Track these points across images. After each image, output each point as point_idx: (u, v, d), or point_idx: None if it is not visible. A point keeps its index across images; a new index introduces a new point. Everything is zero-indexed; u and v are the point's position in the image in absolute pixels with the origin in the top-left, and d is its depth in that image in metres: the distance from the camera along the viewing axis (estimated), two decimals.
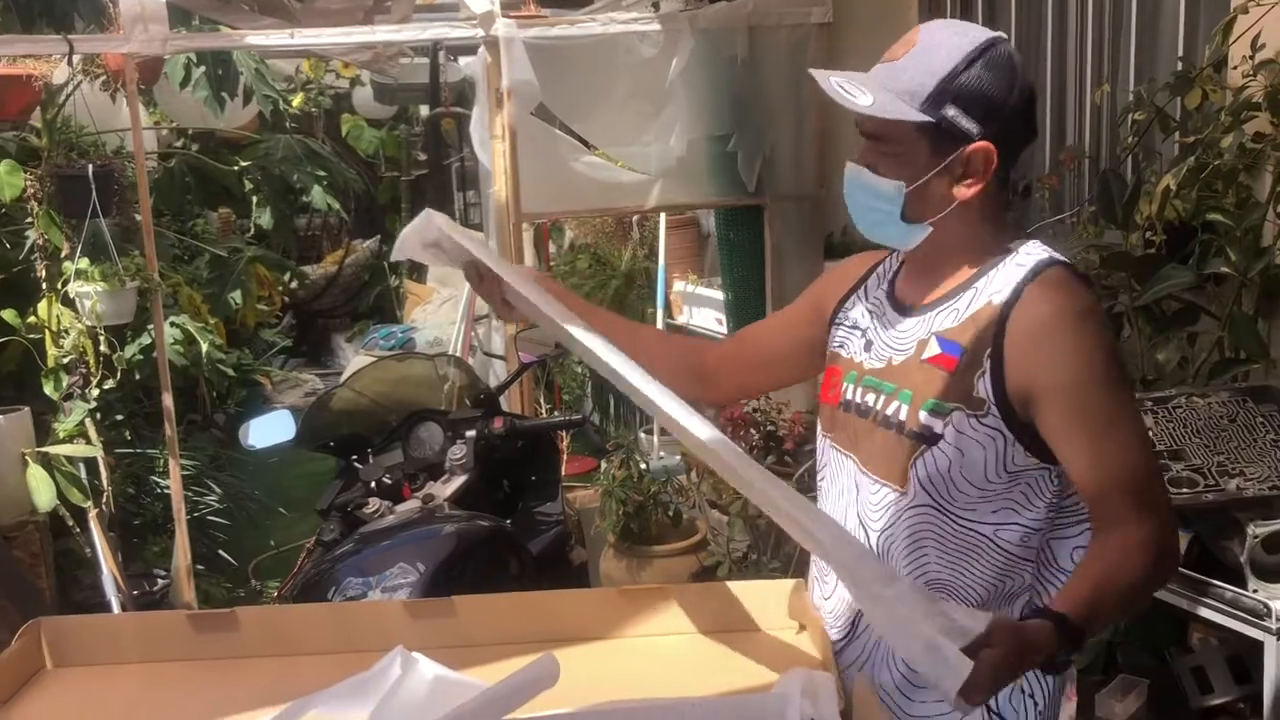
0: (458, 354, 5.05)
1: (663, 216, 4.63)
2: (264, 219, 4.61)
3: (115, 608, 3.26)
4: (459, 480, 2.52)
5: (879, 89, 1.42)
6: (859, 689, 1.41)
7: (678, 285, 4.71)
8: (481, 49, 3.70)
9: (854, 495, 1.54)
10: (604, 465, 3.88)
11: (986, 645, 1.18)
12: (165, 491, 3.78)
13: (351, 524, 2.43)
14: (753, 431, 3.59)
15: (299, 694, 1.29)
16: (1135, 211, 2.81)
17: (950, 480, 1.43)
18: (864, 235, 1.53)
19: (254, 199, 4.84)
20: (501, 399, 2.76)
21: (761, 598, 1.63)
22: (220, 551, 4.26)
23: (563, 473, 2.75)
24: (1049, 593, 1.47)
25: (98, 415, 3.65)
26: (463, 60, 6.00)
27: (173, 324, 3.93)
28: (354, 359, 6.54)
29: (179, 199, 4.61)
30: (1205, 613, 2.15)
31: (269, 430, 2.73)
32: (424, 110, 7.53)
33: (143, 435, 4.11)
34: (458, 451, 2.56)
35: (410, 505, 2.46)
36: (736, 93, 3.90)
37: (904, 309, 1.53)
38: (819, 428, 1.66)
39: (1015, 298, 1.40)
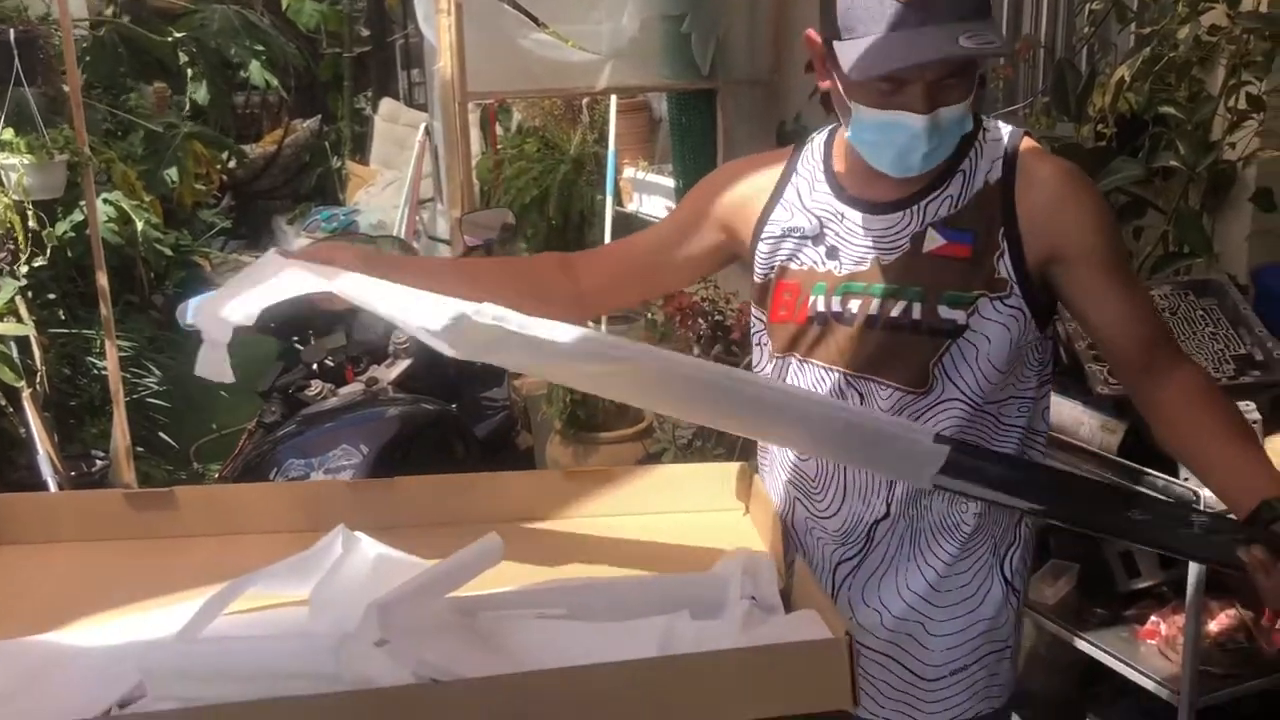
0: (401, 237, 4.96)
1: (613, 99, 4.53)
2: (200, 94, 4.44)
3: (52, 488, 3.21)
4: (403, 364, 2.49)
5: (980, 24, 1.30)
6: (799, 570, 1.43)
7: (628, 171, 4.64)
8: None
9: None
10: None
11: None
12: (102, 373, 3.71)
13: (293, 406, 2.40)
14: (700, 321, 3.58)
15: (239, 573, 1.28)
16: (1088, 103, 2.79)
17: (978, 369, 1.41)
18: (915, 169, 1.38)
19: (189, 73, 4.65)
20: None
21: (706, 480, 1.63)
22: (160, 434, 4.21)
23: None
24: (1030, 457, 1.50)
25: (29, 294, 3.54)
26: None
27: (106, 201, 3.80)
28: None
29: (111, 71, 4.41)
30: None
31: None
32: None
33: (78, 316, 4.00)
34: (401, 335, 2.52)
35: (353, 388, 2.43)
36: None
37: (872, 207, 1.45)
38: (766, 352, 1.58)
39: (1011, 172, 1.39)
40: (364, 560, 1.29)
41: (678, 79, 3.95)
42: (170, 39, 4.00)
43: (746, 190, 1.56)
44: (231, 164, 5.36)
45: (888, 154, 1.38)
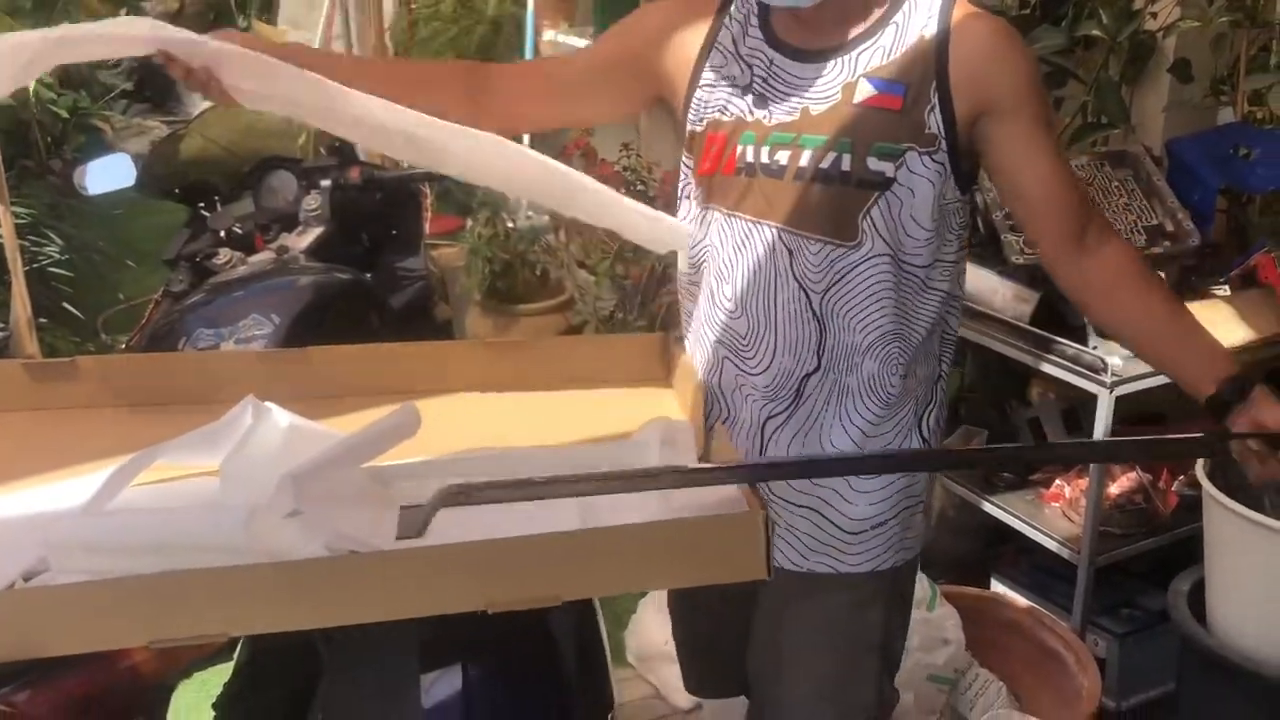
0: None
1: None
2: None
3: None
4: (314, 232, 2.42)
5: None
6: (718, 437, 1.44)
7: (547, 34, 4.50)
8: None
9: (785, 261, 1.44)
10: (470, 224, 3.79)
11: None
12: None
13: (201, 274, 2.32)
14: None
15: (146, 445, 1.24)
16: None
17: (902, 224, 1.40)
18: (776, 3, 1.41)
19: None
20: (358, 149, 2.62)
21: (627, 351, 1.62)
22: (64, 304, 4.07)
23: (426, 229, 2.66)
24: (950, 323, 1.52)
25: None
26: None
27: None
28: (200, 105, 6.13)
29: None
30: (1047, 368, 2.26)
31: (108, 175, 2.54)
32: None
33: None
34: (312, 202, 2.44)
35: (263, 256, 2.36)
36: None
37: (803, 55, 1.42)
38: (692, 206, 1.55)
39: (946, 25, 1.37)
40: (275, 430, 1.26)
41: None
42: None
43: (681, 34, 1.51)
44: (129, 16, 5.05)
45: None
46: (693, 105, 1.49)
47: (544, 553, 1.08)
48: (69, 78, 5.54)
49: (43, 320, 3.80)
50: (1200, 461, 1.75)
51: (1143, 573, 2.43)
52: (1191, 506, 2.24)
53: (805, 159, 1.40)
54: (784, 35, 1.44)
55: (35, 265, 3.91)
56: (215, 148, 2.60)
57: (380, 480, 1.23)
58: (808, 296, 1.45)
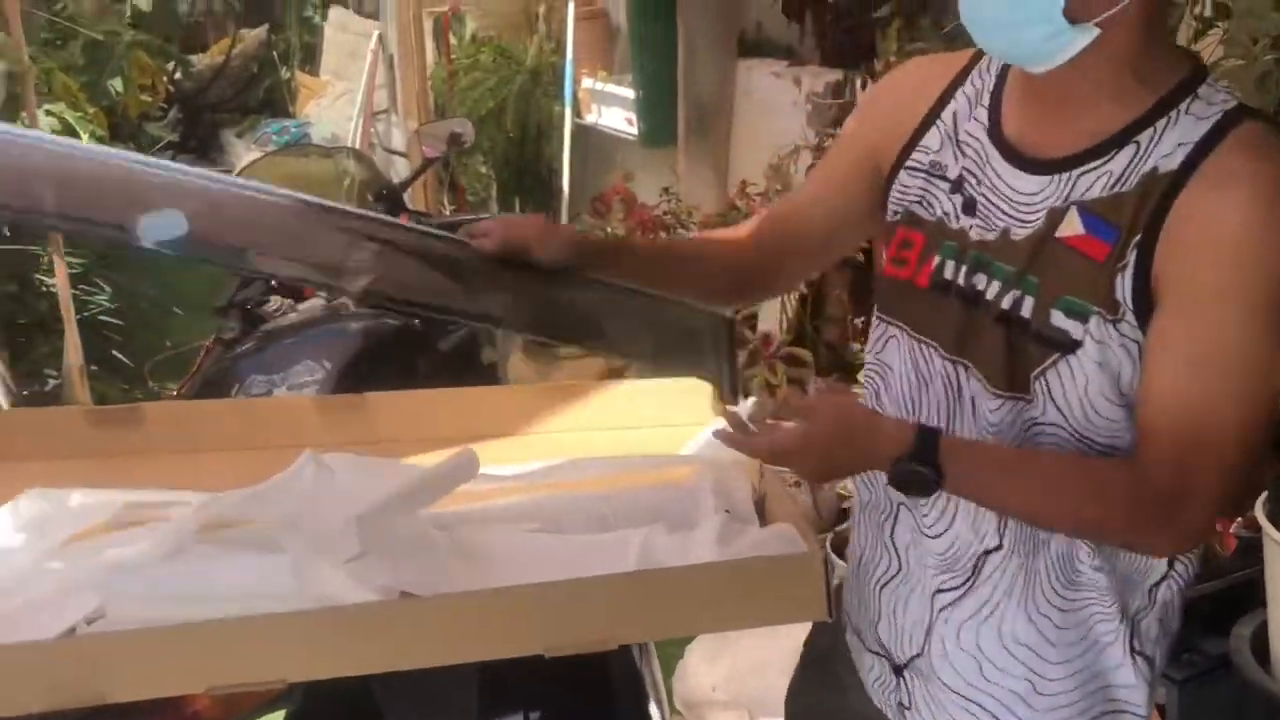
0: (357, 148, 4.85)
1: (571, 6, 4.42)
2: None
3: (4, 405, 3.15)
4: (363, 279, 2.44)
5: None
6: (770, 482, 1.43)
7: (586, 82, 4.55)
8: None
9: (969, 411, 1.17)
10: None
11: (810, 417, 1.11)
12: (52, 290, 3.62)
13: (252, 321, 2.35)
14: (663, 235, 3.55)
15: (205, 490, 1.26)
16: None
17: (1089, 400, 1.09)
18: (989, 46, 1.12)
19: None
20: (405, 197, 2.66)
21: (677, 394, 1.62)
22: (114, 353, 4.13)
23: None
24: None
25: None
26: None
27: (48, 113, 3.67)
28: (246, 155, 6.25)
29: None
30: None
31: (160, 227, 2.58)
32: None
33: (22, 230, 3.89)
34: (362, 249, 2.46)
35: (313, 304, 2.39)
36: None
37: (1021, 159, 1.13)
38: (877, 305, 1.29)
39: (1191, 167, 1.04)
40: (334, 482, 1.27)
41: None
42: None
43: (909, 99, 1.24)
44: (178, 75, 5.20)
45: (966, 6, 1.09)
46: (895, 187, 1.24)
47: (601, 595, 1.08)
48: (118, 129, 5.66)
49: (93, 368, 3.86)
50: (1260, 502, 1.72)
51: (1203, 617, 2.38)
52: (1252, 548, 2.19)
53: (992, 291, 1.13)
54: (1008, 126, 1.16)
55: (86, 314, 3.97)
56: None
57: (441, 525, 1.24)
58: None
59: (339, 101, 6.42)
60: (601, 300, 1.44)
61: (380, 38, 5.31)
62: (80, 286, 4.02)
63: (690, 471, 1.41)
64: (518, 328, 1.54)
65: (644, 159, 4.17)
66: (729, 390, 1.44)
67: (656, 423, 1.59)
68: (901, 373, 1.24)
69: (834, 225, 1.36)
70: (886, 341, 1.26)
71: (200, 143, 7.60)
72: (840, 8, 3.66)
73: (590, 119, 4.59)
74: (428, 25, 5.20)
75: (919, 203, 1.21)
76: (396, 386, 2.23)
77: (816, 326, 3.13)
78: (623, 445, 1.54)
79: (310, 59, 7.41)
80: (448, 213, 4.53)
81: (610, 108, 4.47)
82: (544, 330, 1.63)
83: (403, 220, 2.49)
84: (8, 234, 3.88)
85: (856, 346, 3.00)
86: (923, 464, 1.07)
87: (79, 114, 3.77)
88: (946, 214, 1.18)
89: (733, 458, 1.39)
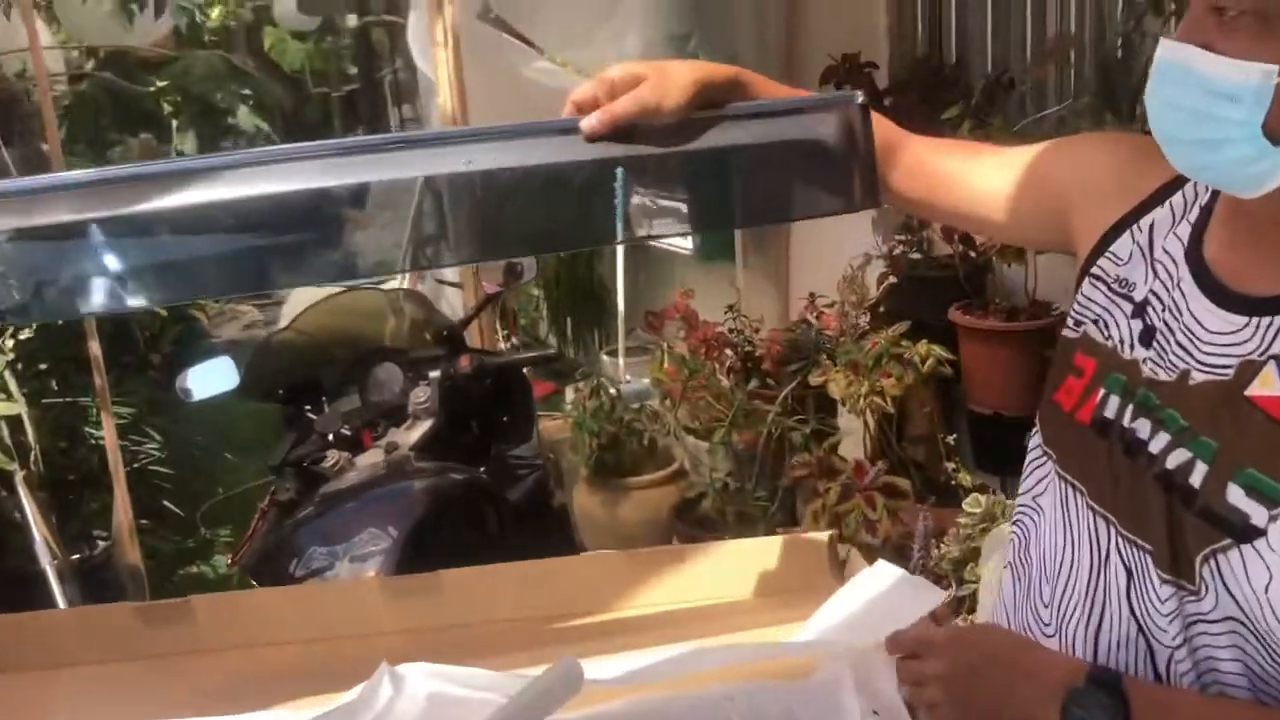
0: (408, 277, 4.77)
1: None
2: (187, 144, 4.25)
3: (51, 576, 3.01)
4: (424, 426, 2.30)
5: None
6: None
7: (636, 197, 4.45)
8: None
9: (1121, 585, 0.97)
10: (571, 394, 3.67)
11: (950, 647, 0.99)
12: (100, 443, 3.51)
13: (309, 480, 2.20)
14: (728, 352, 3.40)
15: (268, 693, 1.09)
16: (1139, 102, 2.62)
17: (1270, 606, 0.86)
18: (1182, 166, 0.93)
19: (174, 123, 4.47)
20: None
21: (788, 555, 1.44)
22: (165, 502, 4.01)
23: (536, 413, 2.54)
24: None
25: (18, 366, 3.34)
26: None
27: None
28: (294, 290, 6.20)
29: (93, 125, 4.24)
30: None
31: (210, 379, 2.47)
32: (351, 19, 7.10)
33: (71, 383, 3.81)
34: (421, 394, 2.33)
35: (372, 456, 2.24)
36: None
37: (1219, 291, 0.94)
38: (1038, 435, 1.10)
39: None
40: (415, 701, 1.09)
41: None
42: (153, 89, 3.82)
43: (1115, 184, 1.06)
44: None
45: (1152, 111, 0.91)
46: (1079, 296, 1.06)
47: None
48: None
49: (142, 521, 3.73)
50: None
51: None
52: None
53: (1158, 443, 0.93)
54: (1210, 250, 0.96)
55: (135, 465, 3.86)
56: (314, 341, 2.51)
57: None
58: (1149, 647, 0.95)
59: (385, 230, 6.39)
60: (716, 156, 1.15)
61: None
62: (130, 437, 3.92)
63: (824, 661, 1.21)
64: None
65: (701, 275, 4.04)
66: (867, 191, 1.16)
67: (774, 590, 1.41)
68: (1052, 520, 1.06)
69: (984, 218, 1.18)
70: (1043, 480, 1.08)
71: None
72: (900, 108, 3.54)
73: (641, 231, 4.47)
74: None
75: (1097, 322, 1.03)
76: (467, 543, 2.08)
77: (903, 446, 2.93)
78: (731, 622, 1.36)
79: None
80: (503, 345, 4.40)
81: (662, 219, 4.34)
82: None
83: (464, 363, 2.36)
84: (55, 387, 3.80)
85: (951, 466, 2.79)
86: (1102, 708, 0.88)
87: None
88: (1121, 341, 1.00)
89: (874, 642, 1.21)
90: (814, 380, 2.97)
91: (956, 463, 2.86)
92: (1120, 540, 0.97)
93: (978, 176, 1.17)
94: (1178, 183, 1.01)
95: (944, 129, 3.21)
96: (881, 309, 3.12)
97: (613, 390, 3.52)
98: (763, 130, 1.12)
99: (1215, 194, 0.98)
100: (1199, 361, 0.93)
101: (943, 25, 3.74)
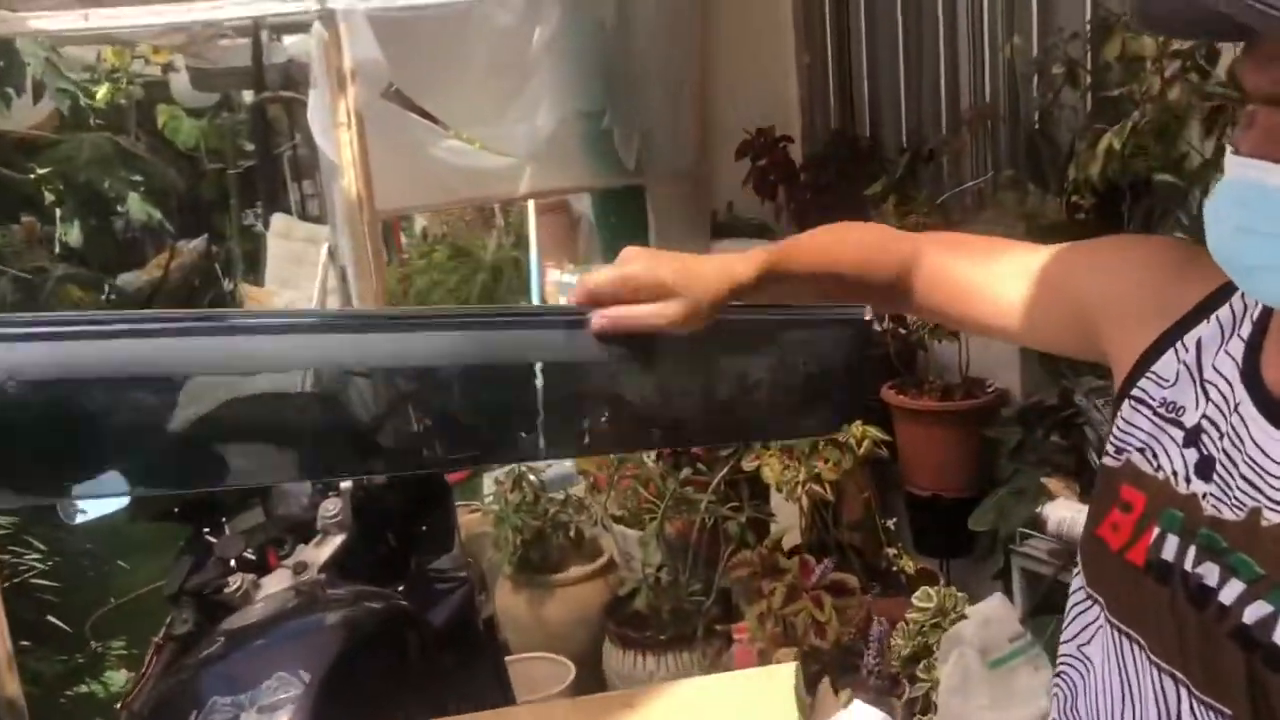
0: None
1: (531, 202, 4.23)
2: (72, 234, 4.00)
3: None
4: (334, 541, 2.10)
5: None
6: None
7: (553, 274, 4.33)
8: (316, 25, 3.22)
9: None
10: (490, 484, 3.49)
11: None
12: None
13: (210, 611, 1.98)
14: None
15: None
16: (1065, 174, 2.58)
17: None
18: (1256, 292, 0.82)
19: (58, 211, 4.21)
20: None
21: (748, 691, 1.31)
22: (49, 617, 3.70)
23: (457, 519, 2.36)
24: None
25: None
26: (287, 39, 5.44)
27: None
28: (187, 385, 5.89)
29: None
30: None
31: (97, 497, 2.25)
32: (248, 96, 6.88)
33: None
34: (330, 507, 2.13)
35: (279, 578, 2.03)
36: (607, 62, 3.54)
37: None
38: (1081, 576, 0.98)
39: None
40: None
41: (602, 177, 3.68)
42: (34, 175, 3.58)
43: (1150, 293, 0.95)
44: (113, 299, 4.93)
45: (1220, 236, 0.81)
46: (1119, 420, 0.94)
47: None
48: None
49: (24, 643, 3.43)
50: None
51: None
52: None
53: (1230, 593, 0.81)
54: (1271, 371, 0.85)
55: (15, 580, 3.56)
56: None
57: None
58: None
59: None
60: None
61: (331, 250, 5.08)
62: (9, 549, 3.63)
63: None
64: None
65: None
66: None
67: None
68: (1104, 674, 0.92)
69: (1018, 335, 1.09)
70: (1089, 627, 0.95)
71: None
72: (818, 184, 3.49)
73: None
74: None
75: (1143, 451, 0.91)
76: (387, 677, 1.89)
77: (840, 531, 2.82)
78: None
79: (253, 268, 7.17)
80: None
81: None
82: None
83: None
84: None
85: (893, 552, 2.68)
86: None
87: None
88: (1175, 473, 0.88)
89: None
90: (747, 465, 2.85)
91: (898, 548, 2.76)
92: (1195, 703, 0.84)
93: (998, 285, 1.08)
94: (1222, 294, 0.90)
95: (866, 205, 3.15)
96: None
97: (533, 478, 3.35)
98: (765, 345, 1.07)
99: (1270, 311, 0.87)
100: (1271, 500, 0.80)
101: (854, 98, 3.72)
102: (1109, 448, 0.95)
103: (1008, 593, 2.49)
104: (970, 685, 2.09)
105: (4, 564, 3.34)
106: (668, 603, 2.93)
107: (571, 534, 3.32)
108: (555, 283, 4.30)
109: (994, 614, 2.24)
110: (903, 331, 2.89)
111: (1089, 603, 0.95)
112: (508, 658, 2.96)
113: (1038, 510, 2.39)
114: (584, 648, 3.13)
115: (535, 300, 4.26)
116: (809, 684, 2.04)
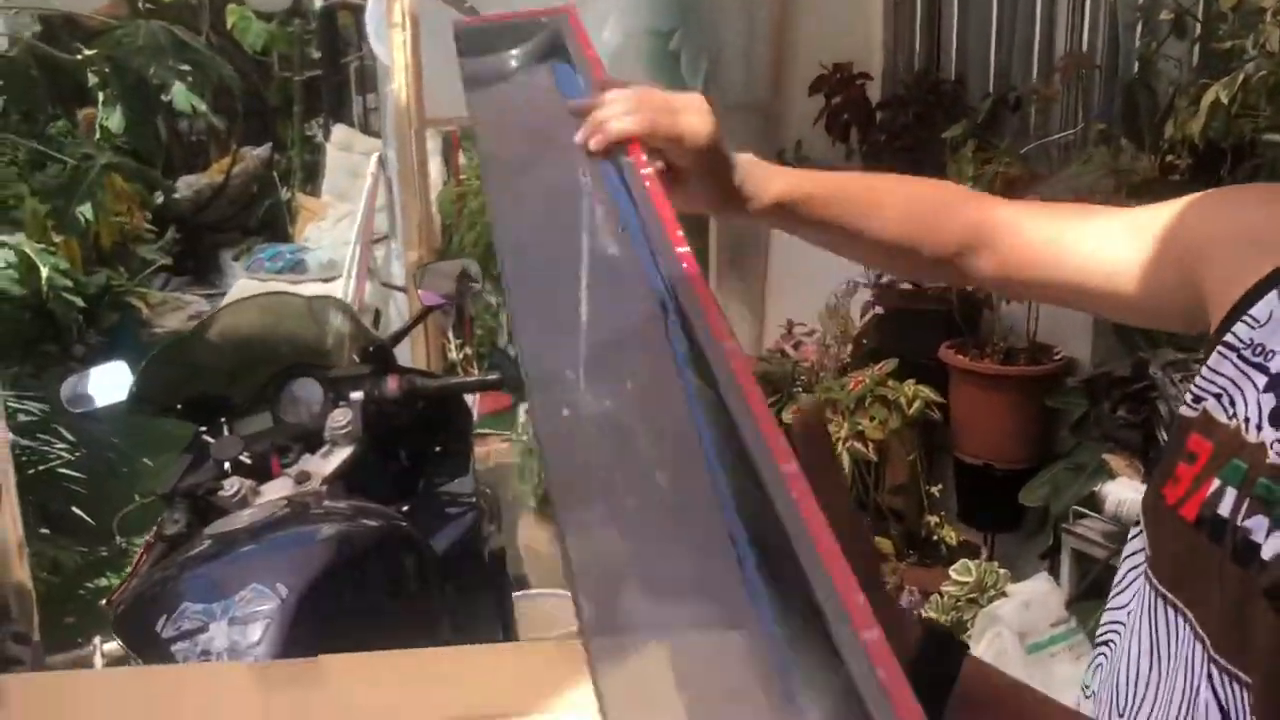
0: (354, 278, 4.46)
1: None
2: (113, 120, 3.92)
3: None
4: (342, 453, 1.99)
5: None
6: None
7: None
8: None
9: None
10: (521, 415, 3.37)
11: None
12: None
13: (203, 513, 1.88)
14: None
15: None
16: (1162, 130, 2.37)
17: None
18: None
19: (100, 95, 4.13)
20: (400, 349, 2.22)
21: None
22: (75, 509, 3.67)
23: (474, 444, 2.24)
24: None
25: None
26: None
27: (4, 246, 3.27)
28: (238, 282, 5.87)
29: (24, 96, 3.90)
30: None
31: (101, 387, 2.16)
32: (318, 2, 6.78)
33: None
34: (341, 417, 2.02)
35: (281, 486, 1.93)
36: None
37: None
38: (1141, 537, 0.85)
39: None
40: None
41: None
42: (81, 57, 3.49)
43: (1251, 236, 0.84)
44: (159, 199, 4.85)
45: None
46: (1205, 369, 0.83)
47: None
48: (105, 254, 5.30)
49: (44, 530, 3.40)
50: None
51: None
52: None
53: (1272, 548, 0.71)
54: None
55: (42, 468, 3.52)
56: (226, 350, 2.20)
57: None
58: None
59: (340, 224, 6.08)
60: None
61: (381, 158, 4.97)
62: (38, 436, 3.59)
63: None
64: None
65: None
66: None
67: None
68: (1137, 636, 0.81)
69: (1112, 298, 0.92)
70: (1131, 586, 0.84)
71: (197, 264, 7.26)
72: (894, 126, 3.28)
73: None
74: (435, 144, 4.86)
75: (1220, 397, 0.79)
76: (379, 601, 1.78)
77: (881, 495, 2.65)
78: None
79: (312, 179, 7.11)
80: (454, 354, 4.09)
81: None
82: None
83: (392, 384, 2.06)
84: None
85: (935, 520, 2.52)
86: None
87: (41, 246, 3.38)
88: (1247, 420, 0.76)
89: None
90: (788, 417, 2.69)
91: (940, 517, 2.59)
92: (1214, 668, 0.73)
93: (1094, 245, 0.94)
94: None
95: (943, 149, 2.95)
96: (865, 343, 2.85)
97: (567, 410, 3.22)
98: None
99: None
100: None
101: (942, 39, 3.49)
102: (1188, 397, 0.82)
103: (1054, 574, 2.32)
104: (1004, 670, 1.93)
105: (31, 450, 3.29)
106: None
107: None
108: None
109: (1037, 595, 2.08)
110: (967, 289, 2.69)
111: (1142, 563, 0.82)
112: (525, 592, 2.86)
113: (1096, 488, 2.21)
114: None
115: (586, 228, 4.11)
116: None
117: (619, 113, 0.85)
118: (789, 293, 3.37)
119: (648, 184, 0.77)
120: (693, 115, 0.90)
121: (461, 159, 5.08)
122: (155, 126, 5.11)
